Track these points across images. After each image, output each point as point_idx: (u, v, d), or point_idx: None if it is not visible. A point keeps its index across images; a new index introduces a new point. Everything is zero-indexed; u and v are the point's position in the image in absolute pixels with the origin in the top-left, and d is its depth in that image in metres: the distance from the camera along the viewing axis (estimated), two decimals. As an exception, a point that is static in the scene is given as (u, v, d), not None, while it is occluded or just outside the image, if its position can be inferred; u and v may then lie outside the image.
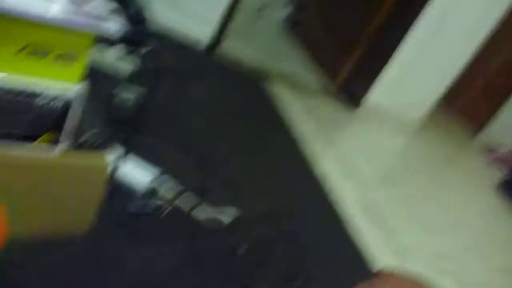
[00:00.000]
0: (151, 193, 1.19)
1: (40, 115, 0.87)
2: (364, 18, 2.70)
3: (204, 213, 1.23)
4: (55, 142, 0.91)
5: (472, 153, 3.06)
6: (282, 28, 3.36)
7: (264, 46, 2.97)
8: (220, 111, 1.85)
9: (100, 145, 1.04)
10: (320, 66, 2.87)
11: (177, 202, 1.20)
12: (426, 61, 2.56)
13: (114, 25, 0.83)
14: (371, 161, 2.17)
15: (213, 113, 1.80)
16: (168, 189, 1.20)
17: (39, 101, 0.85)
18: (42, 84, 0.84)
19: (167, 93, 1.53)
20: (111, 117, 1.34)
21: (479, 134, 3.25)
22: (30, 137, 0.88)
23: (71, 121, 0.91)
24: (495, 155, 2.98)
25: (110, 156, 1.02)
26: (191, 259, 1.09)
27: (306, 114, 2.21)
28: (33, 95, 0.84)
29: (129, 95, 1.47)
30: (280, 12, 3.46)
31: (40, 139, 0.89)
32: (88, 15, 0.81)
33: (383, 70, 2.56)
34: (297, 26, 3.31)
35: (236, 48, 2.47)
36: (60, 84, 0.86)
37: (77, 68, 0.86)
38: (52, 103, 0.87)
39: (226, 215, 1.27)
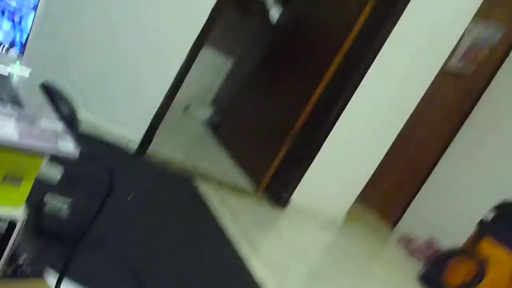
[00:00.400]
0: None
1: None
2: (286, 120, 2.86)
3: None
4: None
5: (391, 245, 3.20)
6: (207, 128, 3.45)
7: (191, 145, 3.02)
8: (152, 215, 1.81)
9: (36, 270, 0.94)
10: (245, 167, 2.94)
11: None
12: (345, 159, 2.73)
13: (70, 144, 0.80)
14: (299, 260, 2.20)
15: (145, 218, 1.75)
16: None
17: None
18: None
19: (98, 200, 1.46)
20: (42, 230, 1.24)
21: (396, 226, 3.43)
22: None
23: (11, 246, 0.82)
24: (411, 247, 3.14)
25: (47, 283, 0.93)
26: None
27: (234, 215, 2.23)
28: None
29: (59, 203, 1.38)
30: (205, 111, 3.57)
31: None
32: (42, 135, 0.77)
33: (306, 169, 2.68)
34: (219, 128, 3.41)
35: (165, 148, 2.49)
36: (5, 206, 0.79)
37: (24, 189, 0.80)
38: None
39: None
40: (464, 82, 3.36)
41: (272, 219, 2.52)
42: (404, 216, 3.41)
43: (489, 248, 2.59)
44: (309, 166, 2.69)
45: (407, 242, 3.20)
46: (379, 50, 2.54)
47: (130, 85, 2.23)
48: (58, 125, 0.82)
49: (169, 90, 2.27)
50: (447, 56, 2.70)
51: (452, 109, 3.40)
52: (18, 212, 0.80)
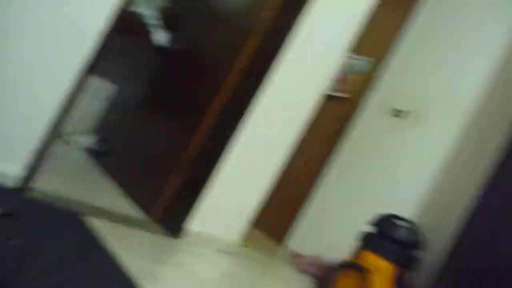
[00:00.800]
0: None
1: None
2: (176, 148, 2.83)
3: None
4: None
5: (283, 264, 3.33)
6: (91, 157, 3.25)
7: (76, 176, 2.82)
8: (41, 261, 1.64)
9: None
10: (135, 198, 2.83)
11: None
12: (238, 184, 2.79)
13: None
14: (195, 286, 2.19)
15: (35, 265, 1.58)
16: None
17: None
18: None
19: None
20: None
21: (286, 245, 3.57)
22: None
23: None
24: (301, 264, 3.30)
25: None
26: None
27: (130, 250, 2.15)
28: None
29: None
30: (87, 138, 3.37)
31: None
32: None
33: (199, 196, 2.68)
34: (104, 157, 3.25)
35: (49, 181, 2.30)
36: None
37: None
38: None
39: None
40: (340, 106, 3.67)
41: (170, 250, 2.47)
42: (292, 235, 3.57)
43: (371, 259, 2.83)
44: (202, 193, 2.69)
45: (296, 259, 3.35)
46: (267, 76, 2.66)
47: (7, 118, 2.03)
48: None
49: (52, 120, 2.11)
50: (327, 82, 2.93)
51: (329, 130, 3.68)
52: None
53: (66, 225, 2.08)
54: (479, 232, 2.46)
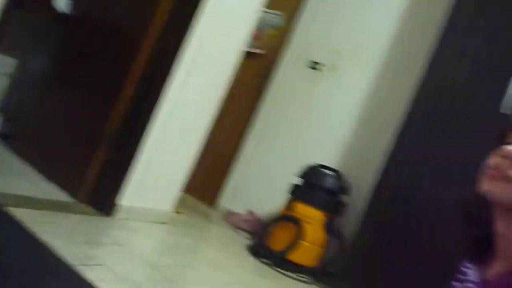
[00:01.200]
0: None
1: None
2: (95, 122, 2.69)
3: None
4: None
5: (219, 224, 3.39)
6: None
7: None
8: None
9: None
10: (58, 180, 2.68)
11: None
12: (166, 152, 2.74)
13: None
14: (144, 263, 2.18)
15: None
16: None
17: None
18: None
19: None
20: None
21: (218, 206, 3.62)
22: None
23: None
24: (235, 221, 3.38)
25: None
26: None
27: (65, 237, 2.06)
28: None
29: None
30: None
31: None
32: None
33: (127, 170, 2.60)
34: (14, 140, 3.01)
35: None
36: None
37: None
38: None
39: None
40: (258, 62, 3.68)
41: (105, 229, 2.40)
42: (223, 195, 3.62)
43: (301, 209, 2.97)
44: (129, 166, 2.61)
45: (230, 217, 3.43)
46: (185, 39, 2.58)
47: None
48: None
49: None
50: (247, 38, 2.91)
51: (250, 87, 3.69)
52: None
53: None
54: (396, 176, 2.67)
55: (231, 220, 3.41)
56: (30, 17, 3.04)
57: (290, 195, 3.08)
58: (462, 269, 0.97)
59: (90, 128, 2.72)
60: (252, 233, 3.29)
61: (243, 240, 3.17)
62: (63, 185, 2.66)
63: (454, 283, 0.97)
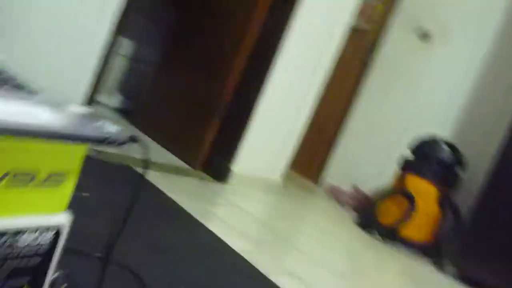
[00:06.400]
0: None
1: (22, 262, 0.65)
2: (210, 94, 2.80)
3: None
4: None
5: (325, 199, 3.37)
6: (120, 116, 3.24)
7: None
8: (114, 212, 1.66)
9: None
10: (176, 148, 2.83)
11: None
12: (277, 125, 2.78)
13: (113, 127, 0.70)
14: (253, 222, 2.25)
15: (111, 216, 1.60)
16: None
17: (22, 242, 0.64)
18: (26, 217, 0.64)
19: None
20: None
21: (323, 181, 3.60)
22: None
23: (54, 261, 0.70)
24: (341, 197, 3.34)
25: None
26: None
27: (182, 194, 2.18)
28: (15, 235, 0.63)
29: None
30: (114, 99, 3.34)
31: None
32: (80, 121, 0.66)
33: (241, 140, 2.68)
34: (133, 114, 3.22)
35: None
36: (48, 212, 0.67)
37: (68, 188, 0.68)
38: (38, 240, 0.66)
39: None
40: (363, 36, 3.59)
41: (220, 192, 2.50)
42: (328, 170, 3.60)
43: (414, 183, 2.85)
44: (242, 137, 2.68)
45: (336, 193, 3.39)
46: (291, 18, 2.60)
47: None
48: (88, 109, 0.71)
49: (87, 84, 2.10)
50: (352, 15, 2.85)
51: (354, 61, 3.62)
52: (63, 218, 0.69)
53: (125, 180, 2.10)
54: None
55: (337, 196, 3.38)
56: (146, 0, 3.23)
57: (401, 168, 2.98)
58: None
59: (204, 102, 2.83)
60: (358, 209, 3.23)
61: (349, 214, 3.13)
62: (181, 154, 2.80)
63: None
